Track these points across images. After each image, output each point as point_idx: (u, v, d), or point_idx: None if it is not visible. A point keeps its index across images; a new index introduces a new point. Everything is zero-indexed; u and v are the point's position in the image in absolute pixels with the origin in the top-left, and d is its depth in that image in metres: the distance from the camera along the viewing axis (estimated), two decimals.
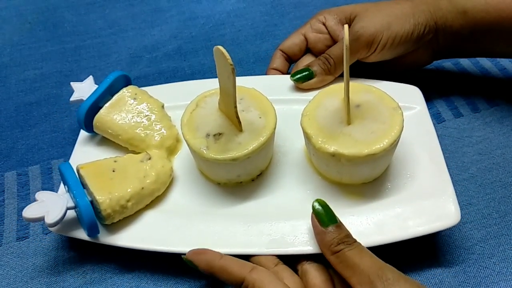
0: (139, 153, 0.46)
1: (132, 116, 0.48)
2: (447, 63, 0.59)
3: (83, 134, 0.50)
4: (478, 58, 0.58)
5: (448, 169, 0.43)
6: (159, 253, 0.41)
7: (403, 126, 0.40)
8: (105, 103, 0.48)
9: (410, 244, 0.40)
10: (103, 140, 0.50)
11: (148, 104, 0.48)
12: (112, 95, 0.49)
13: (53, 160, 0.53)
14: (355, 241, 0.36)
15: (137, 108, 0.48)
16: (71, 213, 0.42)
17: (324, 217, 0.37)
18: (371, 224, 0.40)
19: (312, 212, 0.38)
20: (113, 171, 0.42)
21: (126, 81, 0.51)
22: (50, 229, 0.42)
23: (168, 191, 0.45)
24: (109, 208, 0.40)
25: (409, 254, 0.42)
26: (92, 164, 0.43)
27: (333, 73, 0.50)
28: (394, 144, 0.40)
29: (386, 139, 0.39)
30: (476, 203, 0.45)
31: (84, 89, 0.49)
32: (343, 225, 0.37)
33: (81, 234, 0.41)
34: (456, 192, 0.41)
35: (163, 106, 0.49)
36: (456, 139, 0.50)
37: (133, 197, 0.41)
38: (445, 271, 0.41)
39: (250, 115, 0.43)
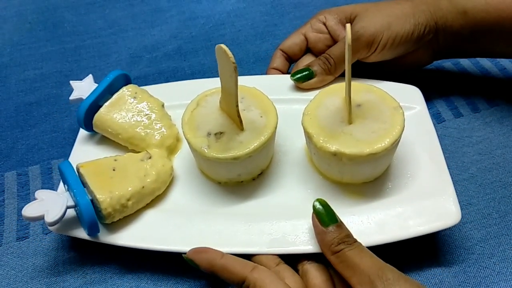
0: (139, 152, 0.46)
1: (132, 115, 0.47)
2: (447, 63, 0.59)
3: (82, 133, 0.50)
4: (478, 58, 0.58)
5: (448, 169, 0.43)
6: (159, 253, 0.41)
7: (404, 126, 0.40)
8: (105, 102, 0.48)
9: (410, 244, 0.40)
10: (103, 139, 0.49)
11: (148, 103, 0.48)
12: (112, 94, 0.49)
13: (53, 160, 0.53)
14: (355, 241, 0.36)
15: (137, 107, 0.48)
16: (71, 213, 0.42)
17: (324, 217, 0.37)
18: (372, 223, 0.40)
19: (313, 212, 0.38)
20: (114, 170, 0.42)
21: (126, 80, 0.51)
22: (50, 228, 0.42)
23: (168, 190, 0.45)
24: (110, 207, 0.40)
25: (409, 254, 0.42)
26: (92, 163, 0.43)
27: (333, 73, 0.50)
28: (395, 144, 0.40)
29: (387, 139, 0.39)
30: (476, 203, 0.45)
31: (83, 88, 0.49)
32: (343, 224, 0.37)
33: (81, 233, 0.41)
34: (456, 192, 0.41)
35: (163, 105, 0.49)
36: (456, 139, 0.51)
37: (134, 196, 0.41)
38: (445, 271, 0.41)
39: (251, 114, 0.43)
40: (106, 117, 0.47)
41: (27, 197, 0.49)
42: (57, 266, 0.44)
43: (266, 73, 0.56)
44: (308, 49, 0.56)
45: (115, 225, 0.42)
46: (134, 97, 0.49)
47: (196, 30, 0.68)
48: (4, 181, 0.51)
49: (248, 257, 0.39)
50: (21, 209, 0.39)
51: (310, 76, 0.50)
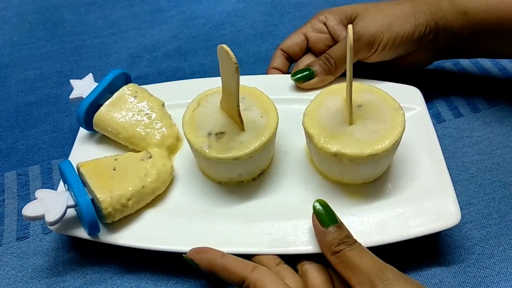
0: (139, 151, 0.46)
1: (133, 114, 0.47)
2: (447, 63, 0.59)
3: (82, 132, 0.50)
4: (478, 58, 0.58)
5: (448, 169, 0.43)
6: (159, 253, 0.41)
7: (404, 127, 0.40)
8: (105, 101, 0.48)
9: (410, 244, 0.40)
10: (103, 138, 0.49)
11: (149, 103, 0.48)
12: (112, 93, 0.49)
13: (53, 160, 0.52)
14: (355, 241, 0.36)
15: (138, 106, 0.48)
16: (71, 212, 0.42)
17: (324, 217, 0.37)
18: (372, 224, 0.40)
19: (313, 212, 0.38)
20: (114, 169, 0.42)
21: (126, 79, 0.51)
22: (50, 227, 0.42)
23: (168, 190, 0.45)
24: (110, 206, 0.40)
25: (409, 254, 0.42)
26: (92, 162, 0.43)
27: (333, 73, 0.50)
28: (395, 144, 0.40)
29: (388, 139, 0.39)
30: (476, 203, 0.45)
31: (83, 87, 0.49)
32: (343, 225, 0.37)
33: (82, 233, 0.41)
34: (456, 192, 0.41)
35: (163, 105, 0.49)
36: (456, 139, 0.51)
37: (134, 195, 0.41)
38: (445, 271, 0.41)
39: (251, 114, 0.43)
40: (106, 116, 0.47)
41: (27, 197, 0.49)
42: (57, 266, 0.44)
43: (266, 73, 0.56)
44: (308, 49, 0.56)
45: (116, 225, 0.42)
46: (135, 96, 0.49)
47: (196, 30, 0.68)
48: (4, 181, 0.51)
49: (248, 257, 0.39)
50: (21, 209, 0.39)
51: (311, 76, 0.50)
